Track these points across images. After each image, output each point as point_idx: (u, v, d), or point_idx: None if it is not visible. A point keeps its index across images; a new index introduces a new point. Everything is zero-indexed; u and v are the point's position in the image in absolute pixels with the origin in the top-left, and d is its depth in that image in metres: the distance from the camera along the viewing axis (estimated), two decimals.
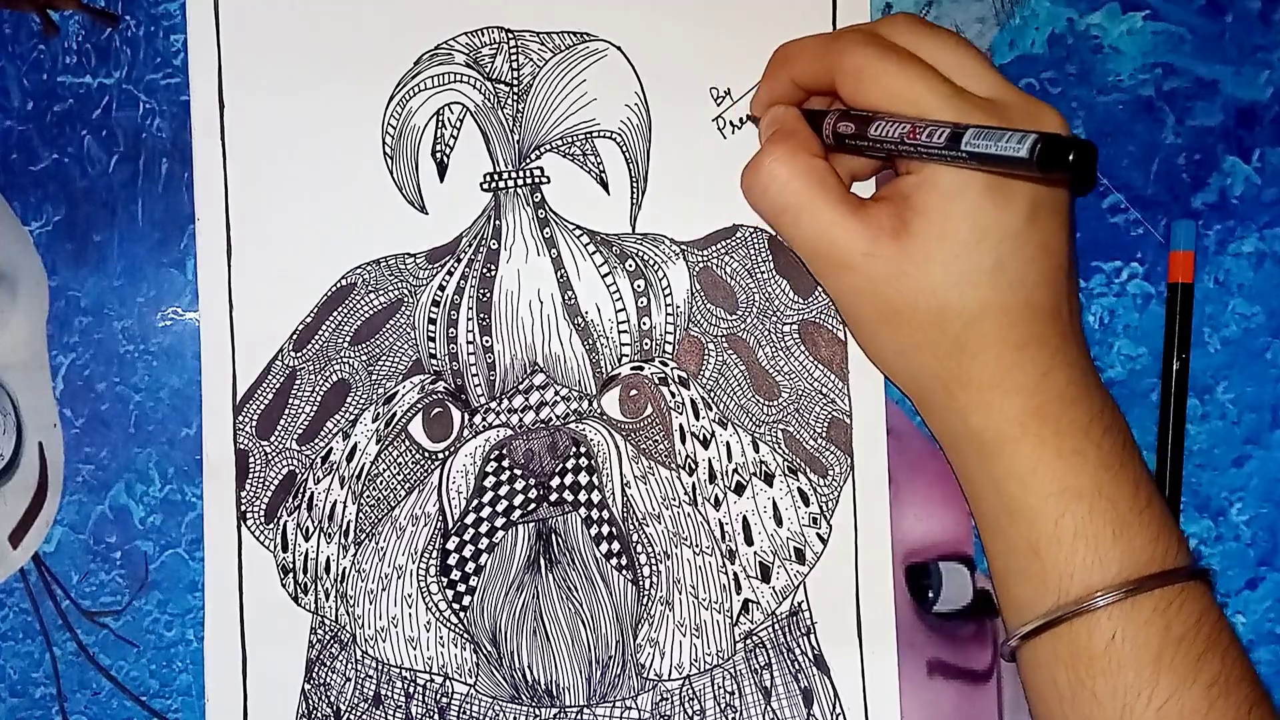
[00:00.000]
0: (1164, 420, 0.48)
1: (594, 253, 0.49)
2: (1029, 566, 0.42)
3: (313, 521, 0.49)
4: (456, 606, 0.48)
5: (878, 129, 0.42)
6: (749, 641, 0.48)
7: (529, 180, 0.49)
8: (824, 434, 0.49)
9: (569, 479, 0.48)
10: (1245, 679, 0.41)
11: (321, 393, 0.49)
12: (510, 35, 0.49)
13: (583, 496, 0.48)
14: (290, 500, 0.49)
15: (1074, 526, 0.41)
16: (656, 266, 0.49)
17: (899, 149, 0.42)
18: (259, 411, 0.49)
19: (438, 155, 0.49)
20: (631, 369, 0.49)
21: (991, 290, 0.42)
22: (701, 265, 0.49)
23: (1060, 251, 0.43)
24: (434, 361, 0.49)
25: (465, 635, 0.48)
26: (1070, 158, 0.37)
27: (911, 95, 0.42)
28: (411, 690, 0.48)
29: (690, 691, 0.48)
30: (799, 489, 0.49)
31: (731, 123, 0.49)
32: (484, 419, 0.49)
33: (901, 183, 0.44)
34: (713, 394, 0.49)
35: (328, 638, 0.49)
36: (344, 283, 0.49)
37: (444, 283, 0.49)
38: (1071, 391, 0.42)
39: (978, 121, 0.41)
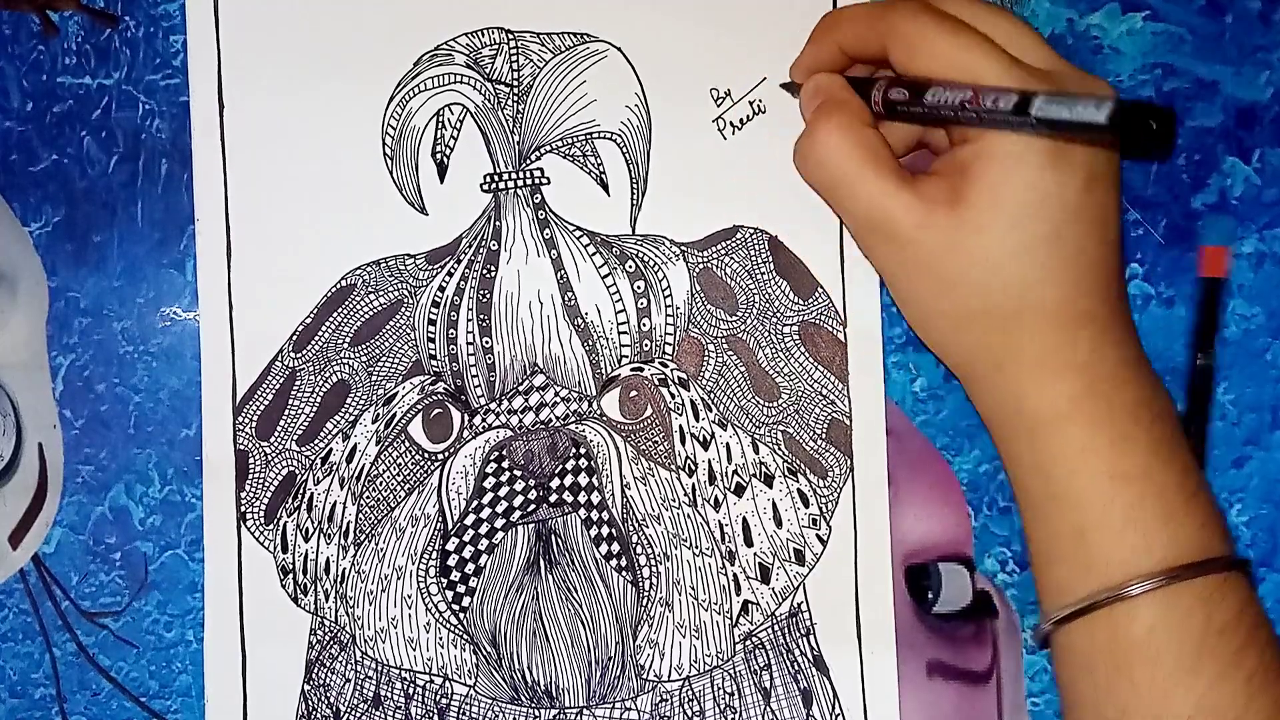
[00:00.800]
0: (1189, 415, 0.48)
1: (594, 254, 0.49)
2: (1074, 551, 0.42)
3: (312, 522, 0.49)
4: (456, 607, 0.48)
5: (935, 95, 0.42)
6: (748, 642, 0.48)
7: (529, 181, 0.49)
8: (824, 435, 0.49)
9: (569, 480, 0.48)
10: None
11: (321, 393, 0.49)
12: (510, 36, 0.49)
13: (582, 498, 0.48)
14: (290, 501, 0.49)
15: (1124, 511, 0.41)
16: (656, 267, 0.49)
17: (959, 115, 0.41)
18: (259, 412, 0.49)
19: (438, 156, 0.49)
20: (631, 370, 0.49)
21: (1048, 260, 0.42)
22: (701, 266, 0.49)
23: (1113, 225, 0.43)
24: (434, 362, 0.49)
25: (465, 636, 0.48)
26: (1153, 125, 0.36)
27: (968, 64, 0.41)
28: (411, 691, 0.48)
29: (690, 692, 0.48)
30: (799, 490, 0.49)
31: (731, 123, 0.49)
32: (484, 420, 0.49)
33: (956, 154, 0.43)
34: (712, 395, 0.49)
35: (327, 638, 0.49)
36: (344, 283, 0.49)
37: (444, 284, 0.49)
38: (1123, 372, 0.42)
39: (1038, 89, 0.40)
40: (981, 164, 0.42)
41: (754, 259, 0.49)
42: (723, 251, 0.49)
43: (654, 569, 0.48)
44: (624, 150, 0.49)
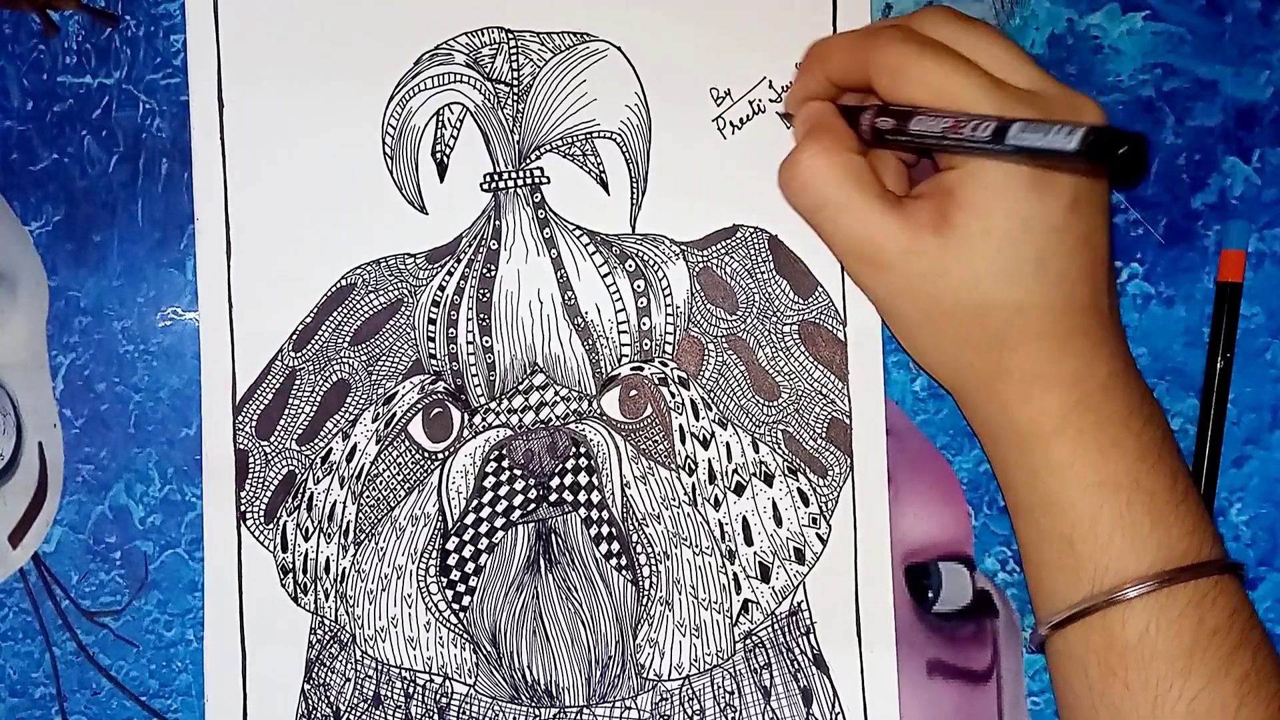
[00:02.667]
0: (1204, 417, 0.48)
1: (594, 253, 0.49)
2: (1063, 557, 0.42)
3: (312, 522, 0.49)
4: (456, 607, 0.48)
5: (919, 124, 0.42)
6: (748, 641, 0.48)
7: (529, 180, 0.49)
8: (823, 434, 0.49)
9: (569, 479, 0.48)
10: (1275, 676, 0.41)
11: (321, 393, 0.49)
12: (510, 35, 0.49)
13: (582, 497, 0.48)
14: (290, 500, 0.49)
15: (1111, 518, 0.41)
16: (656, 267, 0.49)
17: (941, 144, 0.41)
18: (259, 411, 0.49)
19: (438, 155, 0.49)
20: (631, 369, 0.49)
21: (1035, 283, 0.42)
22: (701, 265, 0.49)
23: (1101, 244, 0.43)
24: (434, 362, 0.49)
25: (465, 635, 0.48)
26: (1121, 151, 0.36)
27: (951, 89, 0.41)
28: (411, 690, 0.48)
29: (690, 691, 0.48)
30: (798, 489, 0.49)
31: (731, 123, 0.49)
32: (484, 419, 0.49)
33: (942, 178, 0.43)
34: (712, 394, 0.49)
35: (327, 638, 0.49)
36: (344, 283, 0.49)
37: (444, 283, 0.49)
38: (1112, 384, 0.42)
39: (1020, 114, 0.40)
40: (967, 188, 0.42)
41: (754, 258, 0.49)
42: (723, 251, 0.49)
43: (654, 568, 0.48)
44: (624, 149, 0.49)
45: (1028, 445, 0.43)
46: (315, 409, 0.49)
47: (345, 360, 0.49)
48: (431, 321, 0.49)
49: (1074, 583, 0.42)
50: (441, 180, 0.49)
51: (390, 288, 0.49)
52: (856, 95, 0.47)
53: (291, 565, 0.49)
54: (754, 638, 0.48)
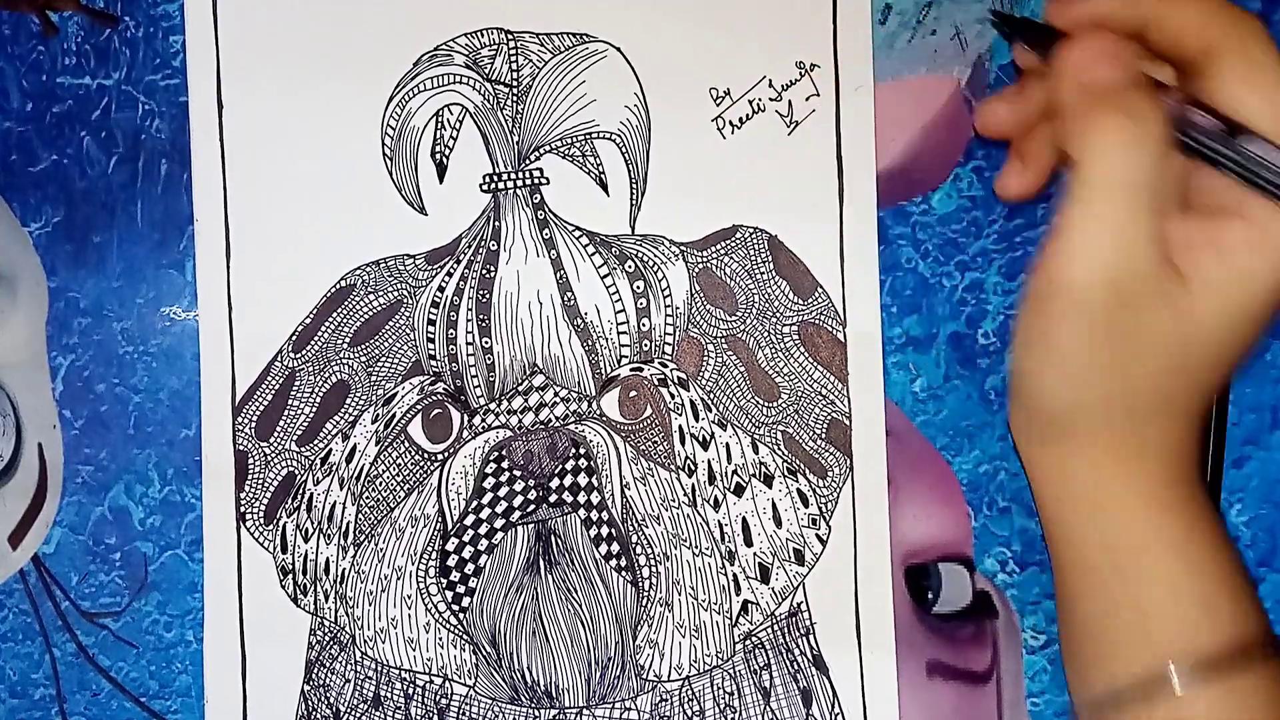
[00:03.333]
0: (1205, 418, 0.48)
1: (593, 254, 0.49)
2: (1132, 629, 0.40)
3: (312, 522, 0.49)
4: (456, 608, 0.48)
5: (1253, 146, 0.32)
6: (748, 642, 0.48)
7: (528, 181, 0.49)
8: (823, 435, 0.49)
9: (568, 480, 0.48)
10: None
11: (321, 394, 0.49)
12: (510, 36, 0.49)
13: (582, 498, 0.48)
14: (290, 501, 0.49)
15: (1189, 590, 0.40)
16: (656, 267, 0.49)
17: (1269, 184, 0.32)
18: (258, 412, 0.49)
19: (437, 156, 0.49)
20: (631, 370, 0.49)
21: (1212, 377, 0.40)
22: (701, 266, 0.49)
23: None
24: (433, 363, 0.49)
25: (464, 636, 0.48)
26: None
27: None
28: (411, 691, 0.48)
29: (690, 692, 0.48)
30: (798, 490, 0.49)
31: (731, 123, 0.49)
32: (483, 420, 0.49)
33: (1219, 223, 0.36)
34: (712, 395, 0.49)
35: (327, 639, 0.49)
36: (343, 284, 0.49)
37: (443, 284, 0.49)
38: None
39: None
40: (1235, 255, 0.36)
41: (753, 259, 0.49)
42: (722, 251, 0.49)
43: (654, 569, 0.48)
44: (623, 150, 0.49)
45: (1108, 510, 0.41)
46: (315, 410, 0.49)
47: (345, 361, 0.49)
48: (431, 322, 0.49)
49: (1142, 652, 0.40)
50: (441, 181, 0.49)
51: (390, 288, 0.49)
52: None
53: (291, 566, 0.49)
54: (754, 638, 0.48)
